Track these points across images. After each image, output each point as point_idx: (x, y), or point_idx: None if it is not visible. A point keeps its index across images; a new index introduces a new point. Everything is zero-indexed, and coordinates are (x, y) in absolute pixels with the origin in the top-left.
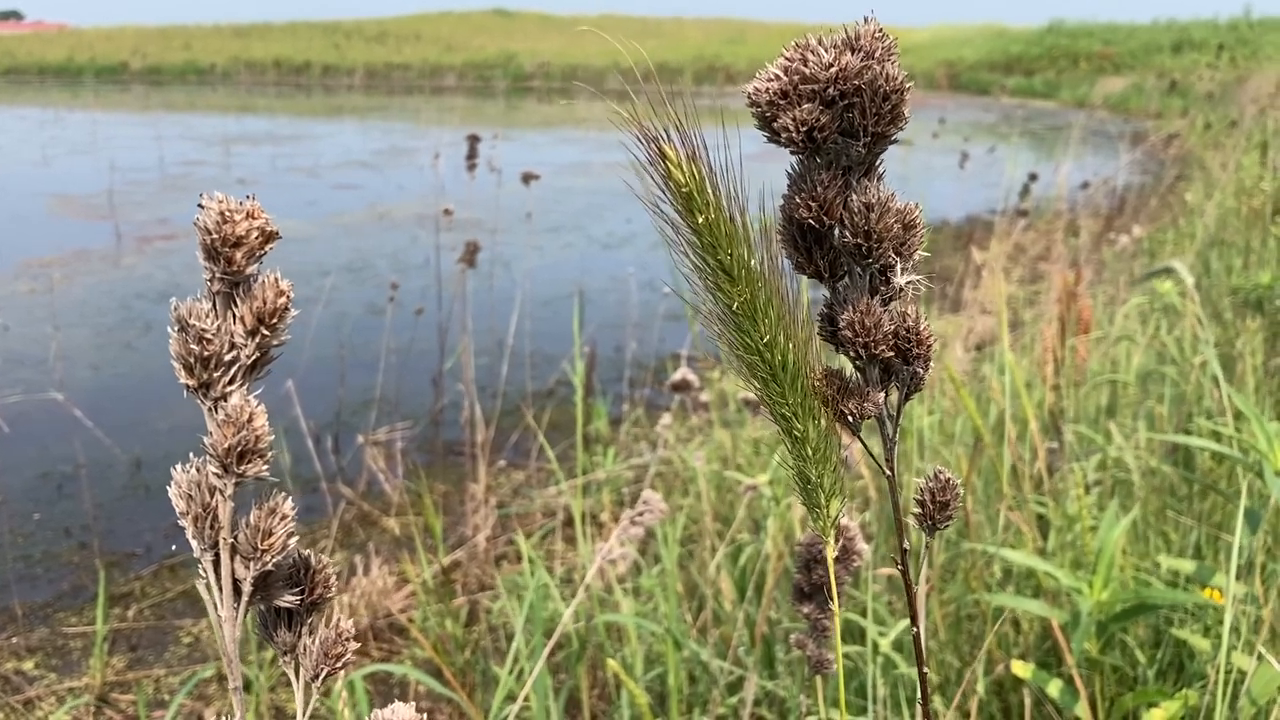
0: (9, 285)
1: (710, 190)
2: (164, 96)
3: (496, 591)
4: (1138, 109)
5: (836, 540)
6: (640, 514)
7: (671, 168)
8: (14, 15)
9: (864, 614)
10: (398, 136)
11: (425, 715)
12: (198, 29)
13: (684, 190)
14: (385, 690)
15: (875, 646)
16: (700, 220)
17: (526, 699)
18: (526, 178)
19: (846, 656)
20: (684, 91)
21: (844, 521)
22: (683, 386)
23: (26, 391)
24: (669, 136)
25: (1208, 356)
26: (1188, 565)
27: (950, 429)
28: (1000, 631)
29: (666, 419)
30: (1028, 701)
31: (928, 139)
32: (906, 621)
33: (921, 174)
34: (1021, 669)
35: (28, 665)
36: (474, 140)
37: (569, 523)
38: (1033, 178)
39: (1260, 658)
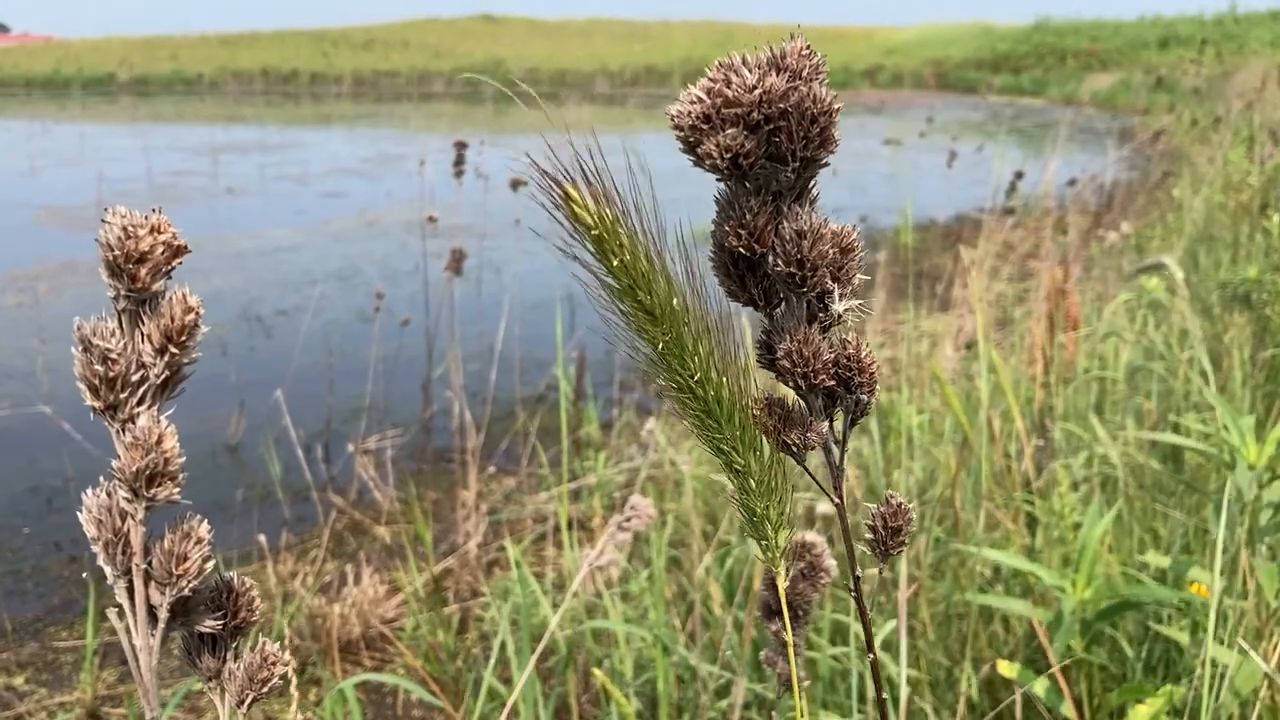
0: None
1: (623, 231)
2: (151, 107)
3: (488, 599)
4: (1125, 105)
5: (788, 571)
6: (628, 519)
7: (577, 209)
8: (0, 28)
9: (850, 614)
10: (386, 143)
11: None
12: (184, 39)
13: (594, 234)
14: (378, 699)
15: (864, 648)
16: (615, 264)
17: (516, 707)
18: (515, 184)
19: (834, 658)
20: (622, 97)
21: (810, 537)
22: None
23: (14, 405)
24: (573, 179)
25: (1197, 351)
26: (1165, 561)
27: (940, 427)
28: (990, 630)
29: (652, 423)
30: (1018, 700)
31: (915, 138)
32: (894, 622)
33: (910, 173)
34: (1008, 668)
35: (18, 680)
36: (461, 147)
37: (560, 528)
38: (1020, 175)
39: (1243, 652)
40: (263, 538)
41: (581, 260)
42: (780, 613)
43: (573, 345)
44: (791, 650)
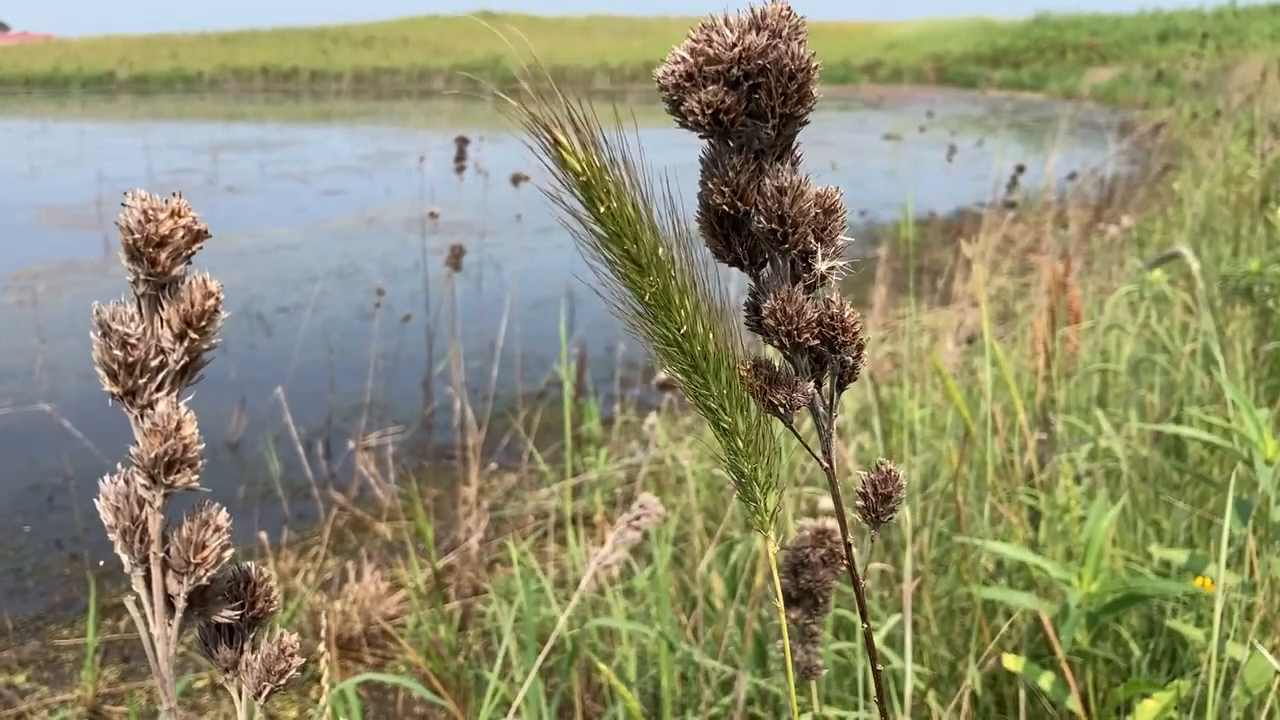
0: None
1: (610, 179)
2: (151, 105)
3: (489, 596)
4: (1125, 99)
5: (779, 535)
6: (637, 518)
7: (565, 155)
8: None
9: (852, 609)
10: (386, 141)
11: None
12: (184, 37)
13: (581, 179)
14: (379, 696)
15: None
16: (602, 210)
17: (519, 707)
18: (516, 179)
19: (838, 653)
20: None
21: (830, 524)
22: (669, 385)
23: (15, 404)
24: (561, 124)
25: (1207, 342)
26: (1178, 555)
27: (942, 421)
28: (994, 624)
29: (653, 418)
30: (1022, 694)
31: (915, 133)
32: (898, 616)
33: (910, 168)
34: (1013, 662)
35: (19, 679)
36: (462, 142)
37: (562, 524)
38: (1020, 170)
39: (1253, 647)
40: (264, 535)
41: (569, 207)
42: (799, 600)
43: (573, 341)
44: (784, 625)
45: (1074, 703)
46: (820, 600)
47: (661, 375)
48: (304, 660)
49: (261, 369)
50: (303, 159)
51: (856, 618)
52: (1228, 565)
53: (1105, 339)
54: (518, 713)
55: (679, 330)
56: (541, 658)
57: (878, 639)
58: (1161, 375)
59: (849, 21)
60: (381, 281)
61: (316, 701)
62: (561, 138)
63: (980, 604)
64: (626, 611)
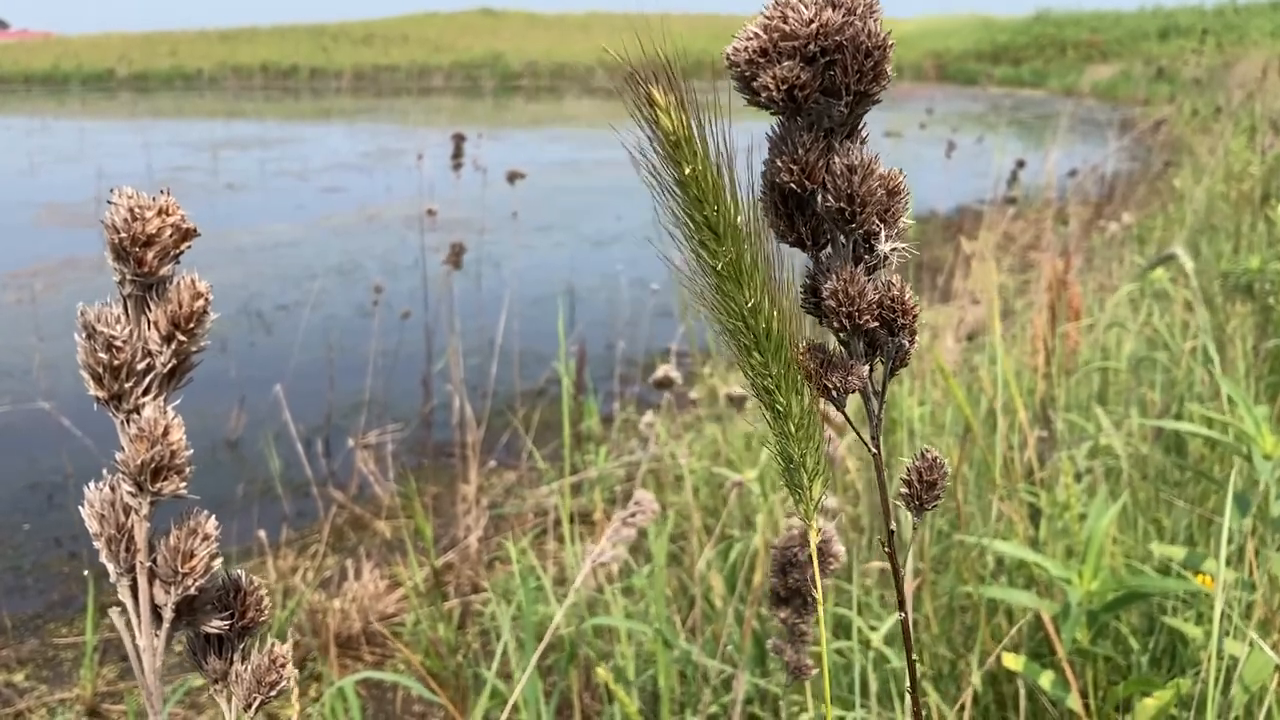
0: None
1: (699, 141)
2: (151, 103)
3: (488, 594)
4: (1126, 96)
5: (818, 530)
6: (632, 515)
7: (660, 114)
8: None
9: (852, 608)
10: (386, 138)
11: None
12: (184, 35)
13: (671, 139)
14: (379, 694)
15: (866, 642)
16: (687, 171)
17: (517, 704)
18: (512, 176)
19: (838, 652)
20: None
21: (819, 523)
22: (666, 383)
23: (14, 402)
24: (657, 81)
25: (1203, 340)
26: (1178, 552)
27: (941, 419)
28: (993, 623)
29: (650, 416)
30: (1021, 693)
31: (915, 130)
32: (897, 615)
33: (910, 165)
34: (1013, 661)
35: (18, 677)
36: (459, 140)
37: (561, 522)
38: (1020, 166)
39: (1252, 644)
40: (263, 533)
41: (654, 166)
42: (789, 600)
43: (573, 339)
44: (824, 617)
45: (1074, 701)
46: (809, 599)
47: (660, 371)
48: (300, 659)
49: (261, 366)
50: (302, 156)
51: (853, 616)
52: (1227, 563)
53: (1106, 336)
54: (516, 711)
55: (747, 304)
56: (538, 655)
57: (877, 638)
58: (1162, 373)
59: None
60: (381, 279)
61: (315, 700)
62: (657, 94)
63: (980, 602)
64: (625, 610)
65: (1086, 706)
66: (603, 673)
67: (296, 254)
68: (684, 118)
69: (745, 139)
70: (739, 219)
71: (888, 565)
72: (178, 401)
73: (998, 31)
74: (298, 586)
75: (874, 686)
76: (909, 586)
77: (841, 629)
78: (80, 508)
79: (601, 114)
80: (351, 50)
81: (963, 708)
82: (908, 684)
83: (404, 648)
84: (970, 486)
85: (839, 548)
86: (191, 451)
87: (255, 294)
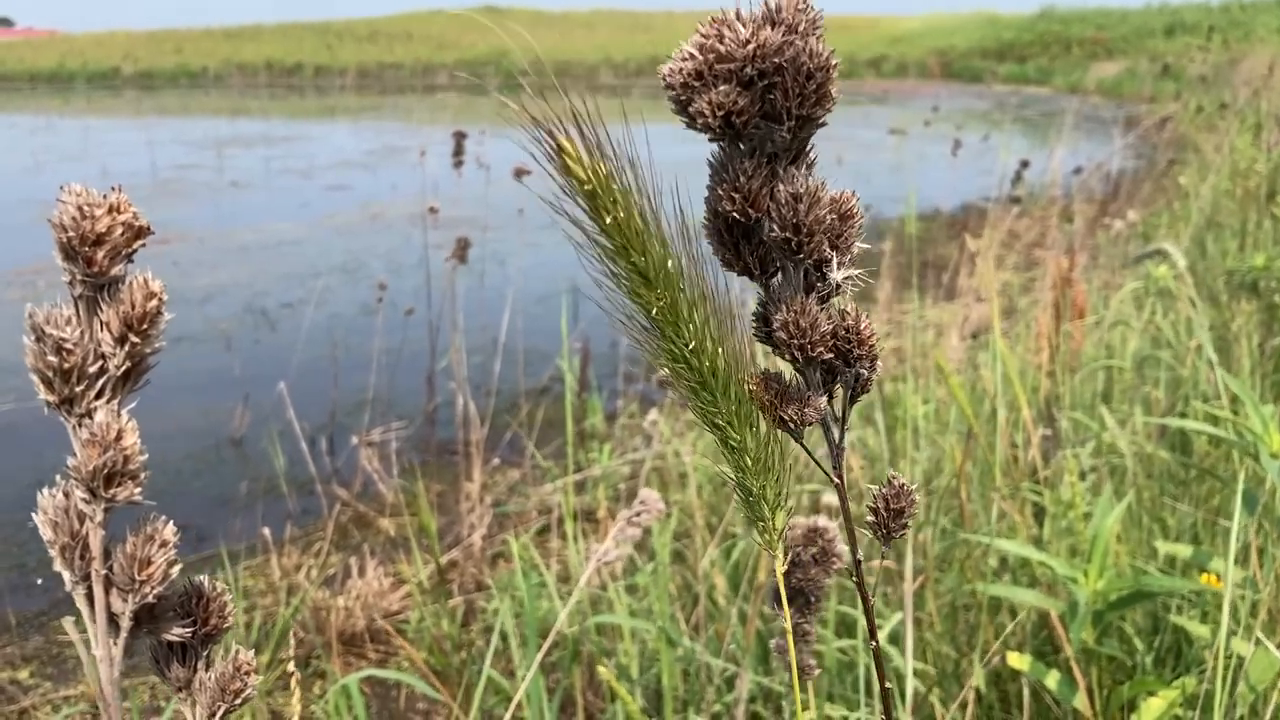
0: None
1: (617, 187)
2: (156, 101)
3: (492, 591)
4: (1131, 93)
5: (786, 554)
6: (637, 513)
7: (570, 163)
8: (4, 22)
9: (857, 606)
10: (390, 136)
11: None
12: (189, 32)
13: (587, 188)
14: (383, 692)
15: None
16: (608, 221)
17: (520, 702)
18: (518, 173)
19: (841, 650)
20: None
21: (823, 522)
22: (669, 381)
23: (19, 399)
24: (564, 128)
25: (1202, 340)
26: (1185, 550)
27: (945, 417)
28: (997, 621)
29: (654, 414)
30: (1025, 692)
31: (920, 128)
32: (901, 614)
33: (914, 162)
34: (1018, 660)
35: (23, 674)
36: (460, 137)
37: (565, 520)
38: (1025, 164)
39: (1258, 643)
40: (267, 531)
41: (573, 217)
42: (780, 600)
43: (577, 336)
44: (791, 639)
45: (1080, 700)
46: (812, 599)
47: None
48: (304, 657)
49: (265, 364)
50: (307, 154)
51: (859, 614)
52: (1234, 561)
53: (1110, 334)
54: (519, 708)
55: (687, 346)
56: (541, 653)
57: (881, 636)
58: (1167, 371)
59: (855, 15)
60: (385, 277)
61: (320, 698)
62: (565, 142)
63: (984, 601)
64: (629, 608)
65: (1091, 706)
66: (605, 671)
67: (300, 252)
68: (597, 164)
69: (683, 150)
70: (669, 263)
71: (890, 563)
72: (133, 404)
73: (1003, 28)
74: (302, 584)
75: (877, 685)
76: (912, 585)
77: (845, 628)
78: (32, 514)
79: (605, 113)
80: (356, 48)
81: (965, 706)
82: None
83: (408, 645)
84: (974, 485)
85: (841, 548)
86: (146, 456)
87: (259, 292)
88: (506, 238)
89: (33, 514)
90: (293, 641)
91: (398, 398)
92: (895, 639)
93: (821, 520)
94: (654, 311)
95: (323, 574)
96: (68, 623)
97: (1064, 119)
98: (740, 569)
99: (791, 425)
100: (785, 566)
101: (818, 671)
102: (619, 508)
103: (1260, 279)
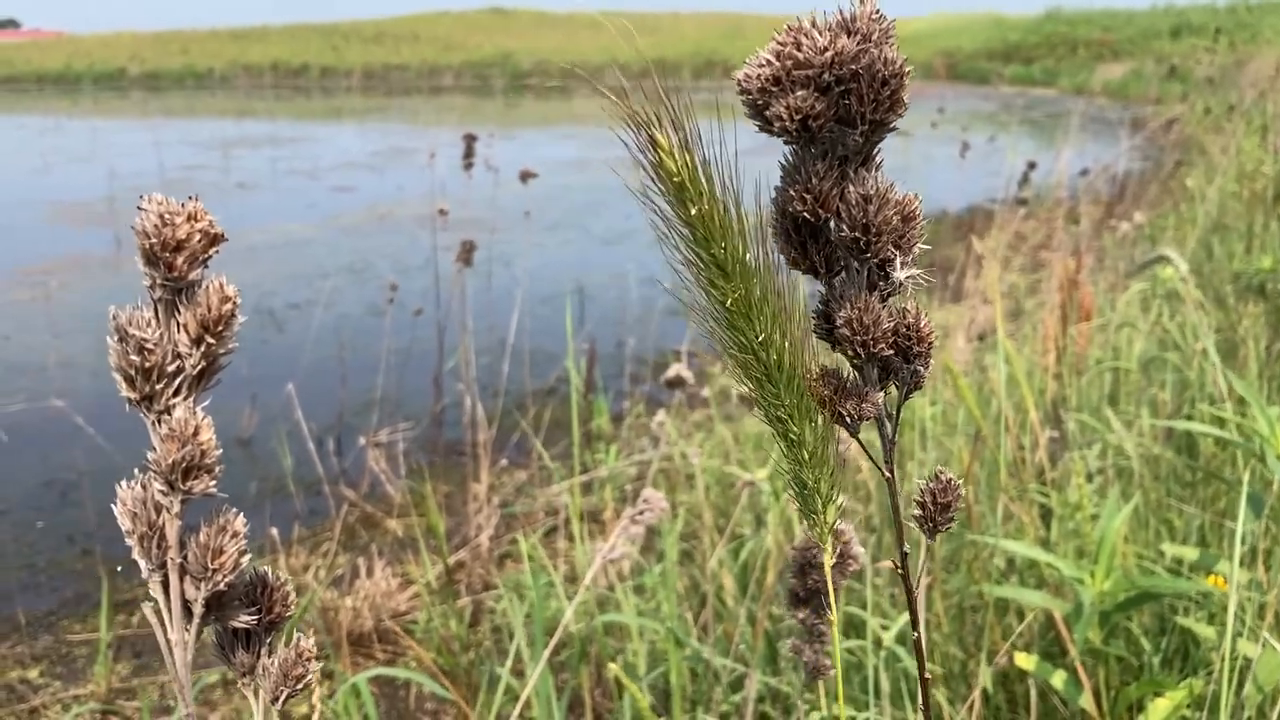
0: (8, 294)
1: (703, 180)
2: (163, 102)
3: (500, 591)
4: (1137, 95)
5: (834, 547)
6: (641, 512)
7: (663, 156)
8: (11, 23)
9: (865, 608)
10: (396, 137)
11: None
12: (195, 34)
13: (676, 180)
14: (391, 691)
15: (879, 641)
16: (693, 212)
17: (529, 701)
18: (524, 176)
19: (849, 651)
20: (682, 87)
21: (839, 525)
22: (677, 382)
23: (28, 400)
24: (660, 124)
25: (1205, 343)
26: (1191, 552)
27: (953, 419)
28: (1005, 622)
29: (662, 415)
30: (1032, 692)
31: (927, 129)
32: (907, 615)
33: (921, 164)
34: (1025, 661)
35: (32, 674)
36: (470, 139)
37: (572, 520)
38: (1032, 166)
39: (1265, 644)
40: (275, 531)
41: (658, 208)
42: (808, 600)
43: (583, 337)
44: (836, 634)
45: (1086, 701)
46: (828, 600)
47: (672, 371)
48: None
49: (273, 365)
50: (313, 155)
51: (867, 615)
52: (1240, 563)
53: (1117, 336)
54: (528, 707)
55: (757, 338)
56: (548, 652)
57: (888, 637)
58: (1173, 373)
59: None
60: (393, 277)
61: (329, 697)
62: (660, 137)
63: (991, 602)
64: (637, 608)
65: (1098, 707)
66: (614, 668)
67: (308, 253)
68: (688, 159)
69: (748, 140)
70: (747, 256)
71: (896, 566)
72: (206, 402)
73: (1009, 30)
74: (310, 584)
75: (886, 686)
76: (920, 587)
77: (853, 628)
78: (104, 498)
79: (611, 114)
80: (362, 49)
81: (973, 707)
82: (919, 701)
83: (416, 645)
84: (982, 486)
85: (858, 549)
86: (221, 451)
87: (267, 293)
88: (513, 239)
89: (41, 515)
90: (312, 639)
91: (405, 398)
92: (903, 639)
93: (839, 522)
94: (729, 302)
95: (331, 574)
96: (146, 607)
97: (1070, 120)
98: (748, 570)
99: (849, 420)
100: (831, 560)
101: (832, 671)
102: (626, 509)
103: (1267, 281)
